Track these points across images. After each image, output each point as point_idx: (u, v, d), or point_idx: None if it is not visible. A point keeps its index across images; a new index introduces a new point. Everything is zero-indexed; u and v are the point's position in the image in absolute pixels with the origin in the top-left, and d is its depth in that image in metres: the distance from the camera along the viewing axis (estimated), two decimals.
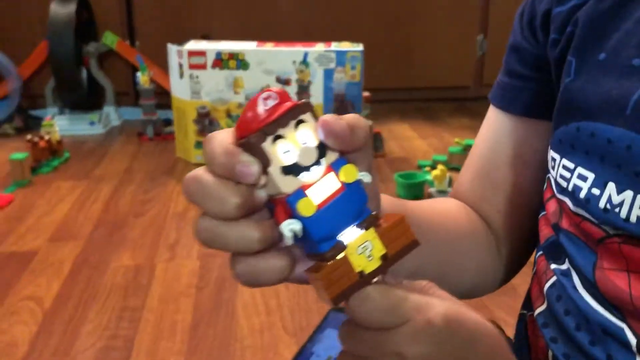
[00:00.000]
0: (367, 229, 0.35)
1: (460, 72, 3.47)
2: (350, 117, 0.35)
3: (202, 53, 2.33)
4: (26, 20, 3.06)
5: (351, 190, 0.34)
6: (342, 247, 0.34)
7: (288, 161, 0.33)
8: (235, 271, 0.35)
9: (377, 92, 3.17)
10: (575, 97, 0.48)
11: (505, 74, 0.60)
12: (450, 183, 2.15)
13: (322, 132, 0.34)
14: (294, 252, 0.36)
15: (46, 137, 2.43)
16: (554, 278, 0.51)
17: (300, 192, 0.33)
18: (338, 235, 0.34)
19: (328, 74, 2.35)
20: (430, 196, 2.13)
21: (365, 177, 0.35)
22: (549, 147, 0.52)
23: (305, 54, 2.32)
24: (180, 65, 2.36)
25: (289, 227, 0.33)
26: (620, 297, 0.44)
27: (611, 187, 0.44)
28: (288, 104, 0.33)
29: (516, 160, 0.60)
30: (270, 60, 2.33)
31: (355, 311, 0.34)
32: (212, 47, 2.36)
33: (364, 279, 0.34)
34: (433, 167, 2.36)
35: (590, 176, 0.46)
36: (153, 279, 1.61)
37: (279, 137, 0.33)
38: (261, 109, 0.33)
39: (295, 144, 0.33)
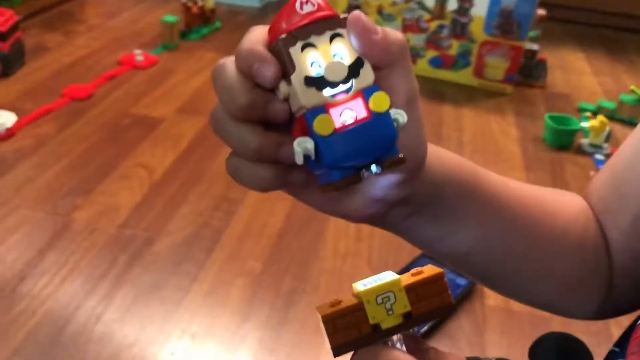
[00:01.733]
0: (388, 168, 0.31)
1: None
2: (385, 28, 0.33)
3: None
4: None
5: (379, 121, 0.30)
6: (357, 179, 0.31)
7: (314, 72, 0.30)
8: (227, 163, 0.34)
9: (556, 10, 2.78)
10: None
11: None
12: (609, 138, 1.87)
13: (350, 22, 0.31)
14: (292, 173, 0.34)
15: (200, 3, 2.44)
16: None
17: (321, 109, 0.30)
18: (356, 167, 0.31)
19: None
20: (580, 148, 1.87)
21: (400, 116, 0.31)
22: None
23: None
24: None
25: (302, 145, 0.30)
26: None
27: None
28: (326, 13, 0.31)
29: None
30: None
31: None
32: None
33: (377, 335, 0.29)
34: (596, 114, 2.06)
35: None
36: None
37: (310, 45, 0.30)
38: (297, 12, 0.31)
39: (326, 56, 0.31)
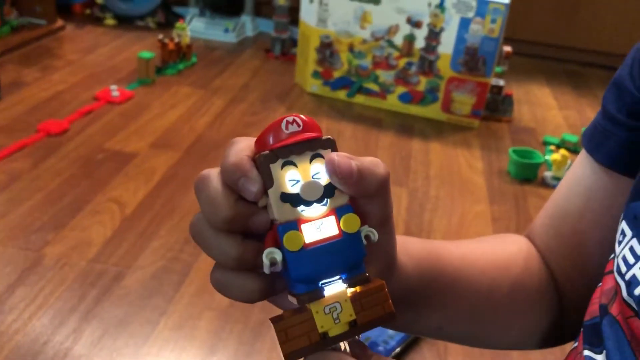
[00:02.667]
0: (351, 287, 0.32)
1: (628, 39, 3.04)
2: (366, 161, 0.33)
3: None
4: None
5: (348, 240, 0.32)
6: (320, 295, 0.32)
7: (290, 189, 0.32)
8: (211, 277, 0.34)
9: (525, 45, 2.90)
10: None
11: (600, 112, 0.50)
12: None
13: (327, 169, 0.32)
14: (277, 281, 0.34)
15: (176, 40, 2.49)
16: None
17: (293, 224, 0.32)
18: (320, 283, 0.32)
19: (464, 23, 2.14)
20: (543, 180, 1.93)
21: (372, 233, 0.33)
22: (622, 216, 0.42)
23: None
24: None
25: (270, 256, 0.31)
26: None
27: None
28: (309, 135, 0.33)
29: (587, 216, 0.51)
30: None
31: None
32: None
33: (326, 342, 0.32)
34: (559, 147, 2.14)
35: None
36: None
37: (290, 163, 0.32)
38: (282, 131, 0.32)
39: (304, 175, 0.32)
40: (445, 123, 2.30)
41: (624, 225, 0.41)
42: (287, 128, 0.32)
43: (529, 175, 1.93)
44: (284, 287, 0.34)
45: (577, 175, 0.52)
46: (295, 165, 0.32)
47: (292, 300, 0.33)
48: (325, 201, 0.32)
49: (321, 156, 0.33)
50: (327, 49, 2.33)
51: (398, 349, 1.22)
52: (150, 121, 2.06)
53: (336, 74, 2.37)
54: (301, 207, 0.32)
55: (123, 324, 1.22)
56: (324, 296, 0.32)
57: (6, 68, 2.29)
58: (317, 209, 0.32)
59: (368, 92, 2.36)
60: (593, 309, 0.44)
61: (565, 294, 0.53)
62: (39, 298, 1.26)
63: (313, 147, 0.33)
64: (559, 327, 0.54)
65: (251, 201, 0.32)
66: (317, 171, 0.32)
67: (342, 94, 2.39)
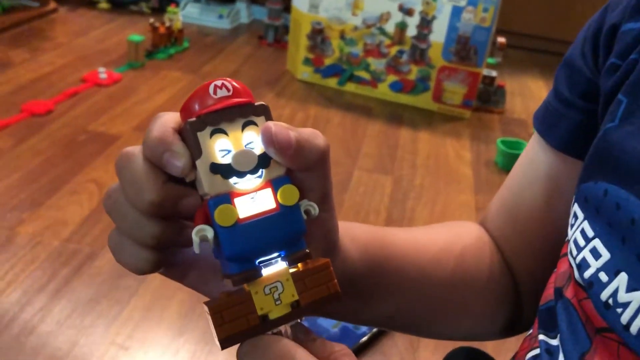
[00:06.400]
0: (292, 264, 0.30)
1: None
2: (306, 132, 0.30)
3: None
4: None
5: (286, 214, 0.29)
6: (257, 274, 0.29)
7: (221, 160, 0.29)
8: (109, 238, 0.31)
9: (521, 38, 2.87)
10: (612, 151, 0.36)
11: (552, 93, 0.48)
12: None
13: (263, 139, 0.29)
14: (186, 256, 0.33)
15: (167, 24, 2.47)
16: (538, 350, 0.41)
17: (225, 197, 0.29)
18: (257, 261, 0.29)
19: (456, 12, 2.12)
20: None
21: (312, 208, 0.31)
22: (574, 199, 0.40)
23: None
24: None
25: (200, 233, 0.28)
26: None
27: (622, 279, 0.33)
28: (240, 100, 0.29)
29: (542, 201, 0.49)
30: None
31: (240, 358, 0.29)
32: None
33: (266, 325, 0.29)
34: None
35: (605, 256, 0.35)
36: None
37: (220, 131, 0.29)
38: (210, 96, 0.29)
39: (236, 144, 0.29)
40: (436, 113, 2.28)
41: (576, 207, 0.39)
42: (215, 93, 0.29)
43: None
44: (179, 259, 0.32)
45: (530, 160, 0.50)
46: (225, 133, 0.29)
47: (227, 283, 0.29)
48: (260, 172, 0.30)
49: (254, 123, 0.30)
50: (318, 36, 2.31)
51: (371, 333, 1.21)
52: (136, 104, 2.04)
53: (327, 61, 2.35)
54: (234, 179, 0.29)
55: (92, 304, 1.21)
56: (261, 275, 0.29)
57: None
58: (252, 181, 0.29)
59: (359, 80, 2.34)
60: (548, 293, 0.43)
61: (521, 281, 0.52)
62: (8, 275, 1.24)
63: (245, 113, 0.29)
64: (517, 315, 0.53)
65: (181, 181, 0.29)
66: (251, 140, 0.30)
67: (332, 82, 2.37)
